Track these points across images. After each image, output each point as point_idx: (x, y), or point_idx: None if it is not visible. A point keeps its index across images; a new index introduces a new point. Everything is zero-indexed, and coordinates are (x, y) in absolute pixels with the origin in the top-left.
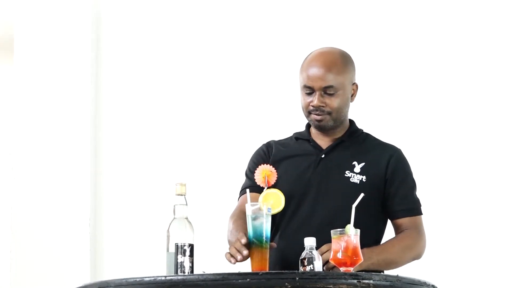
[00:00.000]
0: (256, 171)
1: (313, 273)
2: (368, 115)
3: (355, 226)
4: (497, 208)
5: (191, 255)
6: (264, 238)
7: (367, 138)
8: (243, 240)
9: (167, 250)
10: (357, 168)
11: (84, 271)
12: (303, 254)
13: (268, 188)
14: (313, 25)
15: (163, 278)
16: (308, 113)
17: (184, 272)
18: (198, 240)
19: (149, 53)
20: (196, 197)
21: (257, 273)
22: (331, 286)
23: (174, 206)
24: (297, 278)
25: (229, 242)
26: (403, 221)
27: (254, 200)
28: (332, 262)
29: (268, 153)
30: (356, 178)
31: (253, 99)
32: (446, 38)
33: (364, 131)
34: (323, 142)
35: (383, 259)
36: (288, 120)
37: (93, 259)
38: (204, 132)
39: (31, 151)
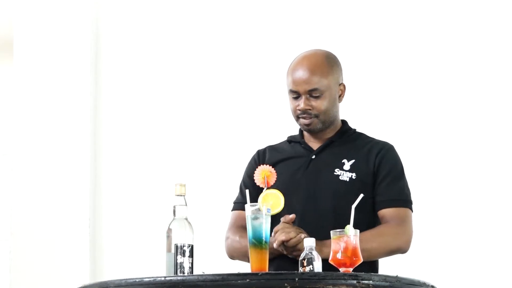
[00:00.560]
0: (255, 171)
1: (312, 274)
2: (365, 115)
3: (344, 223)
4: (496, 208)
5: (191, 255)
6: (263, 238)
7: (360, 137)
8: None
9: (167, 251)
10: (347, 166)
11: (83, 271)
12: (303, 255)
13: (268, 188)
14: (312, 26)
15: (163, 278)
16: (297, 117)
17: (183, 273)
18: (198, 241)
19: (149, 54)
20: (196, 198)
21: (256, 274)
22: (331, 287)
23: (174, 206)
24: (296, 279)
25: (246, 249)
26: (386, 212)
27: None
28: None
29: (260, 161)
30: (345, 176)
31: (253, 99)
32: (437, 36)
33: (357, 130)
34: (314, 143)
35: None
36: (288, 121)
37: (93, 260)
38: (204, 133)
39: (30, 151)
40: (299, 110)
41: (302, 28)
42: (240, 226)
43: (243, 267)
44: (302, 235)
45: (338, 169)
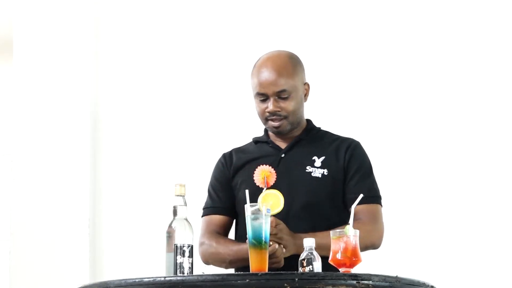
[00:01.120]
0: (255, 172)
1: (312, 274)
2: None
3: (318, 219)
4: (496, 208)
5: (191, 255)
6: (263, 239)
7: (326, 135)
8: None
9: (167, 251)
10: (318, 163)
11: (83, 272)
12: (303, 255)
13: (268, 189)
14: (311, 27)
15: (162, 278)
16: (265, 120)
17: (183, 273)
18: (198, 241)
19: (149, 54)
20: (196, 198)
21: (256, 274)
22: (330, 287)
23: (174, 207)
24: (296, 279)
25: (222, 254)
26: (357, 209)
27: (219, 226)
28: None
29: (227, 164)
30: (317, 172)
31: (253, 99)
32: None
33: (322, 128)
34: (282, 142)
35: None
36: None
37: (93, 260)
38: (204, 133)
39: (30, 152)
40: (268, 112)
41: (302, 29)
42: (213, 231)
43: (243, 268)
44: (276, 245)
45: (310, 166)
